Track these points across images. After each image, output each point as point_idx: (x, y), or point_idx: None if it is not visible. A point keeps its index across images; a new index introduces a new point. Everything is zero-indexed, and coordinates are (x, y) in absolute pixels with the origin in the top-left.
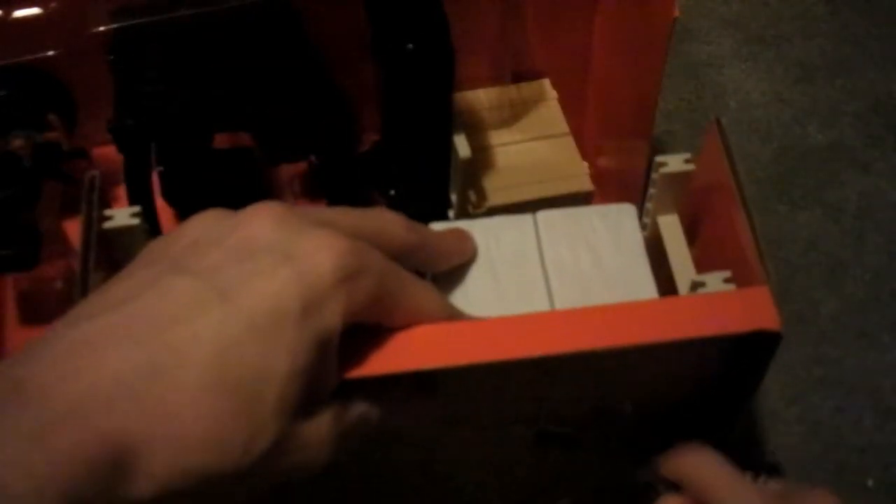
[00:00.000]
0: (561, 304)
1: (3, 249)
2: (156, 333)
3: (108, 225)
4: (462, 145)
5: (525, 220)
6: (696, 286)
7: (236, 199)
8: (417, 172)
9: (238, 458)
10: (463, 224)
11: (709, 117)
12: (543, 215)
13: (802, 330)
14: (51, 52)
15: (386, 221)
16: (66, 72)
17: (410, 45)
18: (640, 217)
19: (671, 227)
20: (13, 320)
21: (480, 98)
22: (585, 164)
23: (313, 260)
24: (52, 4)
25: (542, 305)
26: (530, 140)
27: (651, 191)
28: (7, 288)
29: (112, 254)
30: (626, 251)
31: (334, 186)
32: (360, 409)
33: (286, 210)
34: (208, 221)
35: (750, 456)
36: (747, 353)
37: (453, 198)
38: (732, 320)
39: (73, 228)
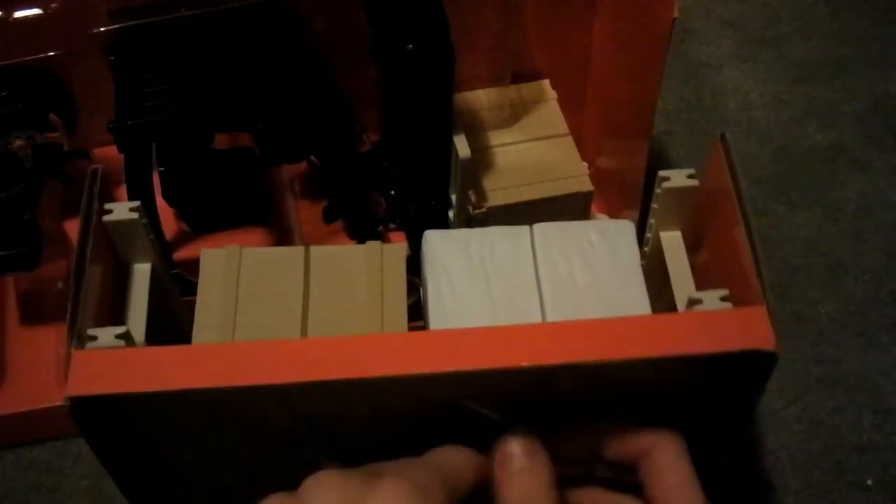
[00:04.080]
0: (553, 316)
1: (3, 249)
2: None
3: (107, 218)
4: (462, 145)
5: (522, 231)
6: (692, 303)
7: (236, 198)
8: (417, 172)
9: None
10: (460, 232)
11: (708, 117)
12: (540, 228)
13: (802, 330)
14: (51, 53)
15: (449, 466)
16: (66, 72)
17: (410, 46)
18: (643, 231)
19: (673, 244)
20: (13, 320)
21: (480, 98)
22: (585, 164)
23: None
24: (53, 5)
25: (534, 317)
26: (530, 140)
27: (654, 205)
28: (7, 288)
29: (109, 247)
30: (622, 267)
31: (334, 187)
32: None
33: (344, 477)
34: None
35: (750, 456)
36: (741, 374)
37: (453, 198)
38: (726, 339)
39: (74, 228)
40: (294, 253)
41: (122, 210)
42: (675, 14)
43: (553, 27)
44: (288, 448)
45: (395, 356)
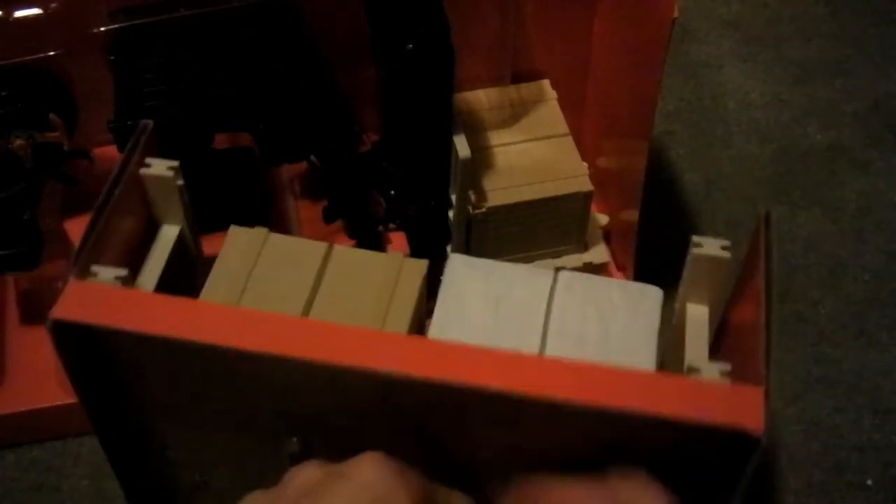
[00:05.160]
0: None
1: (4, 249)
2: None
3: (144, 171)
4: (462, 145)
5: (546, 274)
6: (690, 371)
7: (236, 198)
8: (417, 172)
9: None
10: (485, 262)
11: (708, 117)
12: (566, 275)
13: (802, 330)
14: (51, 52)
15: None
16: (66, 72)
17: (410, 46)
18: (674, 299)
19: (698, 321)
20: (13, 320)
21: (480, 98)
22: (585, 164)
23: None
24: (53, 4)
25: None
26: (530, 140)
27: (684, 273)
28: (8, 288)
29: (143, 200)
30: (636, 333)
31: (334, 187)
32: None
33: (323, 463)
34: (308, 474)
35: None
36: (722, 456)
37: (453, 198)
38: (710, 411)
39: (74, 228)
40: (317, 247)
41: (160, 166)
42: (675, 14)
43: (553, 27)
44: (257, 426)
45: (360, 349)
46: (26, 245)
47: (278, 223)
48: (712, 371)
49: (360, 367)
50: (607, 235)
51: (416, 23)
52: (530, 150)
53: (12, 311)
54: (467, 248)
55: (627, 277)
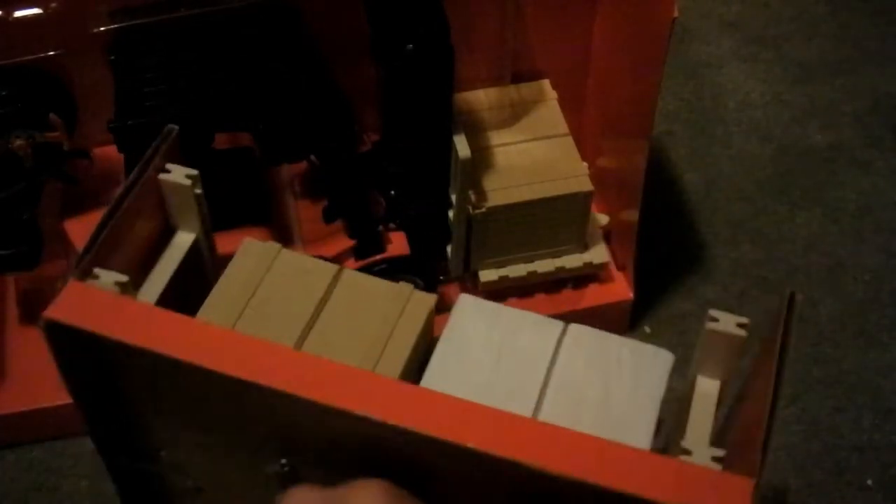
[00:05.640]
0: (543, 417)
1: (3, 249)
2: None
3: (162, 176)
4: (462, 145)
5: (555, 325)
6: (681, 452)
7: (236, 198)
8: (417, 172)
9: None
10: (494, 306)
11: (708, 117)
12: (575, 329)
13: (802, 330)
14: (51, 52)
15: None
16: (66, 72)
17: (410, 46)
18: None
19: (706, 398)
20: (13, 320)
21: (480, 98)
22: (585, 164)
23: None
24: (53, 5)
25: (524, 411)
26: (530, 140)
27: (698, 345)
28: (7, 288)
29: (160, 205)
30: (641, 396)
31: (334, 187)
32: None
33: (321, 489)
34: (304, 499)
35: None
36: None
37: (453, 198)
38: (694, 496)
39: (74, 228)
40: (326, 269)
41: (179, 173)
42: (675, 14)
43: (553, 27)
44: (244, 443)
45: (347, 390)
46: (26, 245)
47: (278, 223)
48: (705, 456)
49: (344, 409)
50: (607, 235)
51: (416, 23)
52: (530, 150)
53: (12, 311)
54: (467, 248)
55: (627, 277)
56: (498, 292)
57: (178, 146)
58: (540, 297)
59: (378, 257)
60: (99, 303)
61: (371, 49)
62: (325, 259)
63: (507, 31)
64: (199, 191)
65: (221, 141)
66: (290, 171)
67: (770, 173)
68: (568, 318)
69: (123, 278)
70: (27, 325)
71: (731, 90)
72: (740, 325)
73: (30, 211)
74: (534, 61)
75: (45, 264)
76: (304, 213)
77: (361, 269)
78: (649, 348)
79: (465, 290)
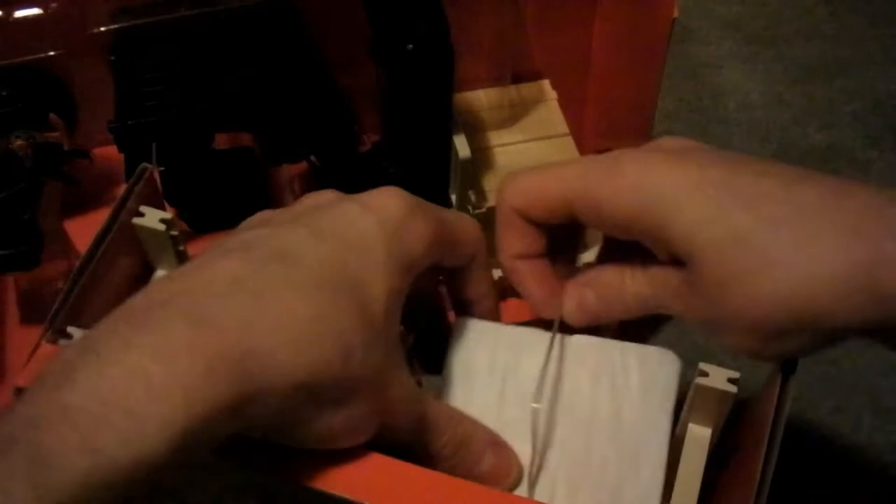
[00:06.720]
0: (557, 443)
1: (3, 249)
2: (264, 243)
3: (137, 220)
4: (462, 145)
5: (556, 338)
6: None
7: (236, 199)
8: (417, 173)
9: (359, 359)
10: (493, 327)
11: (708, 117)
12: (575, 341)
13: None
14: (51, 52)
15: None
16: (66, 72)
17: (410, 46)
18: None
19: (697, 444)
20: (13, 320)
21: (480, 98)
22: None
23: (383, 203)
24: (53, 4)
25: (536, 443)
26: (530, 140)
27: (688, 397)
28: (7, 288)
29: (137, 248)
30: (652, 405)
31: (334, 186)
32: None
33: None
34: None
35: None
36: None
37: (453, 198)
38: None
39: (74, 228)
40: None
41: (153, 217)
42: (675, 14)
43: (553, 27)
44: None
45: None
46: (26, 245)
47: None
48: None
49: None
50: None
51: (416, 23)
52: (530, 150)
53: (12, 311)
54: None
55: None
56: (497, 293)
57: (154, 186)
58: None
59: None
60: None
61: (371, 49)
62: None
63: (507, 31)
64: (175, 233)
65: (221, 141)
66: (290, 171)
67: None
68: None
69: None
70: (27, 325)
71: (731, 90)
72: (731, 380)
73: (30, 211)
74: (534, 61)
75: (45, 264)
76: None
77: None
78: (653, 352)
79: None
